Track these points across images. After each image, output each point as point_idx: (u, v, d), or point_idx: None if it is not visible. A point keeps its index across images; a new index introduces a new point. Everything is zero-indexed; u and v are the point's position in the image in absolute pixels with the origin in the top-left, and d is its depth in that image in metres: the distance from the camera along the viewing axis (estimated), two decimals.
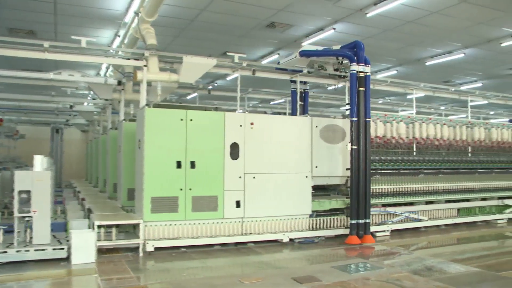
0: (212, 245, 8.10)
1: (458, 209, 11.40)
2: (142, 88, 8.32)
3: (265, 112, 13.87)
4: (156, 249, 7.57)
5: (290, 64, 10.20)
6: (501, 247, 9.27)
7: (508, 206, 12.20)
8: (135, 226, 7.82)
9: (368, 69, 9.24)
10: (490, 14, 12.45)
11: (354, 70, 9.09)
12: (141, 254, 7.41)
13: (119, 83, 10.33)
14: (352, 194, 8.99)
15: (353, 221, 8.90)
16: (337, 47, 9.77)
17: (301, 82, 10.77)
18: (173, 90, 9.38)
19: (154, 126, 7.80)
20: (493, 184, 11.96)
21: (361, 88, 9.03)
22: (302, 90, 11.11)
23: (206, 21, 13.07)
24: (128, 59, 8.73)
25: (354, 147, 8.93)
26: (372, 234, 9.47)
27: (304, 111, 10.91)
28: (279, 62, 10.74)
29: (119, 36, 13.34)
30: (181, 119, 7.99)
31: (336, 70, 10.44)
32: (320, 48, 10.05)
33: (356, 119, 8.99)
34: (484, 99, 14.04)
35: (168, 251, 7.66)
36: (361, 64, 9.12)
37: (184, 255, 7.51)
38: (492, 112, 20.35)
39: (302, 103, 11.05)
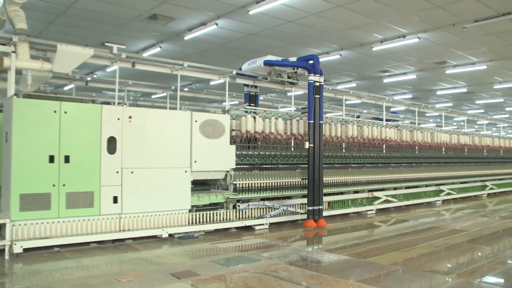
0: (88, 243, 7.77)
1: (333, 202, 12.03)
2: (10, 76, 7.69)
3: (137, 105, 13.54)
4: (26, 250, 7.07)
5: (254, 71, 11.18)
6: (370, 235, 9.94)
7: (376, 198, 13.14)
8: (1, 227, 7.23)
9: (322, 79, 10.63)
10: (363, 20, 13.35)
11: (312, 80, 10.44)
12: (7, 257, 6.86)
13: None
14: (309, 185, 10.43)
15: (310, 208, 10.38)
16: (294, 59, 11.01)
17: (252, 85, 11.70)
18: (46, 80, 8.78)
19: (24, 117, 7.26)
20: (364, 177, 12.78)
21: (316, 95, 10.44)
22: (254, 93, 11.94)
23: (84, 8, 12.50)
24: None
25: (311, 145, 10.36)
26: (251, 227, 9.74)
27: None
28: (240, 68, 11.46)
29: None
30: (55, 111, 7.53)
31: (289, 77, 11.55)
32: (279, 58, 11.17)
33: (312, 121, 10.37)
34: (357, 98, 14.94)
35: (39, 251, 7.19)
36: (317, 75, 10.48)
37: (58, 255, 7.10)
38: (365, 111, 21.77)
39: (253, 104, 11.70)
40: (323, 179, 11.27)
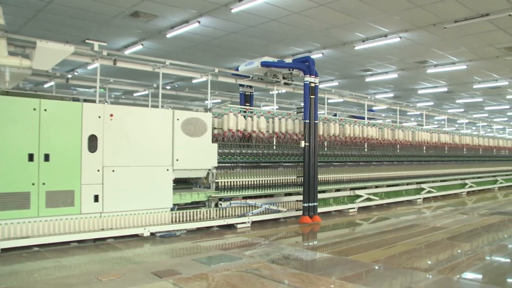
0: (68, 243, 7.67)
1: None
2: None
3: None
4: (4, 250, 6.96)
5: (250, 71, 11.41)
6: (352, 233, 10.00)
7: (358, 196, 13.22)
8: None
9: (317, 80, 10.93)
10: (345, 19, 13.41)
11: (307, 81, 10.73)
12: None
13: None
14: (304, 182, 10.70)
15: (305, 204, 10.63)
16: (289, 60, 11.56)
17: (247, 85, 11.98)
18: (25, 76, 8.65)
19: (2, 115, 7.16)
20: (346, 176, 12.82)
21: (311, 96, 10.73)
22: (249, 93, 12.21)
23: (64, 4, 12.34)
24: None
25: (306, 144, 10.60)
26: (233, 226, 9.73)
27: None
28: (237, 68, 11.70)
29: None
30: (34, 109, 7.44)
31: (284, 78, 11.86)
32: (275, 60, 11.48)
33: (308, 121, 10.65)
34: (339, 97, 15.01)
35: (18, 251, 7.08)
36: (312, 76, 10.77)
37: (37, 255, 7.00)
38: (343, 109, 21.85)
39: (248, 104, 11.96)
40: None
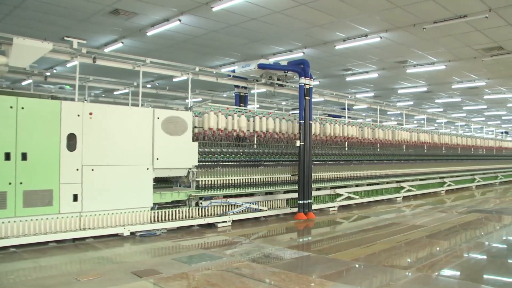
0: (47, 243, 7.57)
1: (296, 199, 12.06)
2: None
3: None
4: None
5: (247, 73, 11.89)
6: (332, 232, 10.05)
7: (339, 195, 13.28)
8: None
9: (311, 82, 11.36)
10: (326, 19, 13.45)
11: (302, 83, 11.17)
12: None
13: None
14: (299, 181, 11.12)
15: (300, 202, 11.08)
16: (285, 63, 11.91)
17: (242, 86, 12.34)
18: (2, 74, 8.52)
19: None
20: (326, 174, 12.88)
21: (306, 97, 11.12)
22: (243, 94, 12.59)
23: (43, 0, 12.15)
24: None
25: (301, 143, 11.04)
26: (214, 225, 9.71)
27: None
28: (234, 70, 12.07)
29: None
30: (11, 107, 7.31)
31: (278, 79, 12.34)
32: (271, 62, 12.14)
33: (303, 121, 11.04)
34: (320, 96, 15.06)
35: None
36: (307, 78, 11.20)
37: (14, 256, 6.89)
38: (328, 109, 21.95)
39: (243, 104, 12.34)
40: (289, 175, 11.44)
